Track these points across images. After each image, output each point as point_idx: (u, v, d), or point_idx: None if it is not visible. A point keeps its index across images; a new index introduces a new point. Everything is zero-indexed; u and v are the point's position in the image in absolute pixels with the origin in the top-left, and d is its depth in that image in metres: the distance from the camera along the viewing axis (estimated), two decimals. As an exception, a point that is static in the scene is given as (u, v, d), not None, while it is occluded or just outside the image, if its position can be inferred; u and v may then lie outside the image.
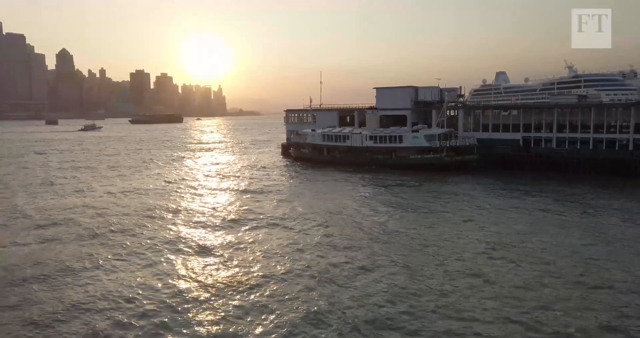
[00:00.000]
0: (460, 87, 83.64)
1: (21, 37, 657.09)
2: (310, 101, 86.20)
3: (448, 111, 73.58)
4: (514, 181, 55.01)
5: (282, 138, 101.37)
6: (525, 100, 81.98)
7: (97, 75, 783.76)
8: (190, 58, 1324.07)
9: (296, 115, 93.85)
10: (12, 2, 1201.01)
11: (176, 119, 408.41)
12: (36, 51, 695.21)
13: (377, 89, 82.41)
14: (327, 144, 75.06)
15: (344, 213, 39.45)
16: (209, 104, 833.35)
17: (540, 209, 39.73)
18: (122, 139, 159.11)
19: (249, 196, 48.05)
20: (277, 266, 26.28)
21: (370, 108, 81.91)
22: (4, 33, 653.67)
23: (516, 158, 64.40)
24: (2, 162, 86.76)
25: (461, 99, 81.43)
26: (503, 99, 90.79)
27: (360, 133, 71.91)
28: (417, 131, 68.71)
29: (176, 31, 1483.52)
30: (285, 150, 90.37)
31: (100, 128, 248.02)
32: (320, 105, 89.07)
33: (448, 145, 65.69)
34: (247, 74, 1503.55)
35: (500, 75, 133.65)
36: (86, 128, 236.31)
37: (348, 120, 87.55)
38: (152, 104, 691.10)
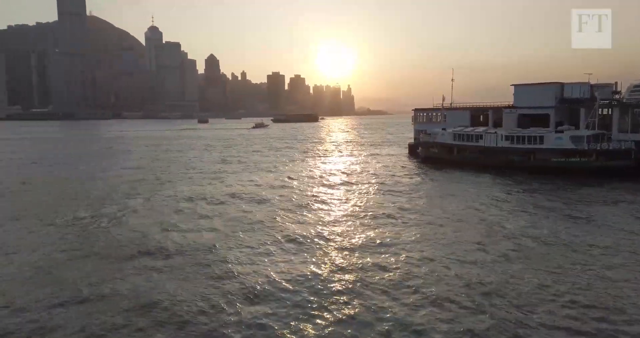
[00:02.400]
0: (616, 82, 73.78)
1: (177, 45, 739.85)
2: (443, 100, 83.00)
3: (600, 110, 65.54)
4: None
5: (409, 138, 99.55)
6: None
7: (239, 78, 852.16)
8: (321, 59, 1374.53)
9: (425, 114, 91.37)
10: (171, 13, 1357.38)
11: (312, 118, 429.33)
12: (189, 57, 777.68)
13: (516, 86, 76.39)
14: (458, 143, 71.65)
15: (483, 224, 35.30)
16: (339, 104, 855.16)
17: None
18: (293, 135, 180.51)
19: (383, 195, 47.46)
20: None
21: (508, 107, 76.40)
22: (164, 42, 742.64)
23: (687, 164, 54.89)
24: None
25: (617, 97, 71.93)
26: (671, 96, 78.10)
27: (495, 132, 67.46)
28: (561, 131, 62.42)
29: (309, 32, 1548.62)
30: (413, 150, 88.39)
31: (267, 126, 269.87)
32: (450, 104, 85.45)
33: (599, 148, 58.52)
34: (375, 73, 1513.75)
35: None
36: (257, 126, 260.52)
37: (481, 119, 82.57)
38: (286, 104, 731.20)
